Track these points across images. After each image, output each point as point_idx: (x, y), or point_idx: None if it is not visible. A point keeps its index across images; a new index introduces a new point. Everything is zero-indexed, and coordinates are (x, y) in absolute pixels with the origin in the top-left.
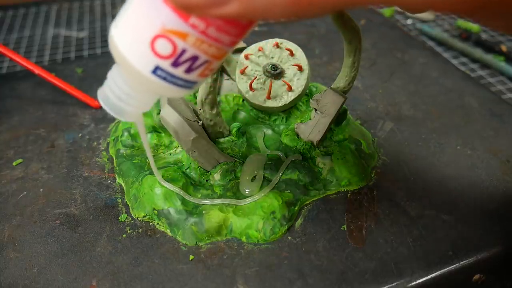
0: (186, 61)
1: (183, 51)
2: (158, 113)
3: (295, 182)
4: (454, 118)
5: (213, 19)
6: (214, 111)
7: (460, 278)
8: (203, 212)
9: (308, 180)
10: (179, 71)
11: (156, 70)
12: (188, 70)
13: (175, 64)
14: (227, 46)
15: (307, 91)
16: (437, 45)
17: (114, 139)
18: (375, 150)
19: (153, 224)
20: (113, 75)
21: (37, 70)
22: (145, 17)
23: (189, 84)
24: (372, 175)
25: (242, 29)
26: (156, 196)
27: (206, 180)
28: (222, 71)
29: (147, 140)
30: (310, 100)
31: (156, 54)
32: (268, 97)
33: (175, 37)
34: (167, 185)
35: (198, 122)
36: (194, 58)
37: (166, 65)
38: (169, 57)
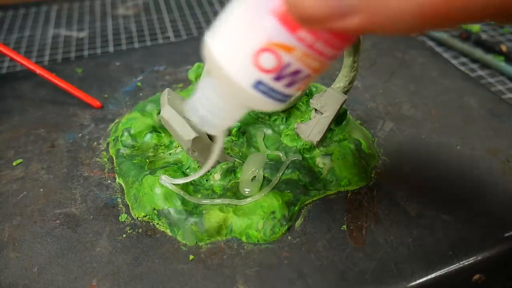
0: (288, 75)
1: (287, 65)
2: (158, 113)
3: (295, 182)
4: (454, 118)
5: (322, 32)
6: None
7: (460, 278)
8: (203, 212)
9: (308, 180)
10: (280, 85)
11: (257, 84)
12: (289, 84)
13: (278, 78)
14: (329, 60)
15: (307, 91)
16: (437, 45)
17: (114, 139)
18: (375, 150)
19: (153, 224)
20: (203, 86)
21: (38, 70)
22: (249, 29)
23: (285, 98)
24: (372, 175)
25: (348, 42)
26: (156, 196)
27: (206, 180)
28: None
29: (218, 151)
30: (310, 100)
31: (259, 67)
32: None
33: (281, 50)
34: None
35: None
36: (297, 72)
37: (268, 79)
38: (272, 71)
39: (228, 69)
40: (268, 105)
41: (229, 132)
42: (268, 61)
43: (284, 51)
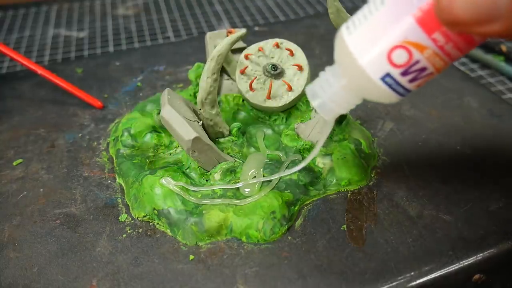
0: (414, 71)
1: (416, 62)
2: (158, 113)
3: (295, 182)
4: (454, 118)
5: (455, 35)
6: (214, 111)
7: (460, 278)
8: (203, 212)
9: (308, 180)
10: (405, 80)
11: (385, 76)
12: (412, 80)
13: (404, 73)
14: (451, 61)
15: None
16: None
17: (114, 139)
18: (375, 150)
19: (153, 224)
20: (328, 74)
21: (39, 70)
22: (388, 28)
23: (405, 93)
24: (372, 175)
25: (473, 46)
26: (156, 196)
27: (206, 180)
28: (222, 71)
29: (327, 134)
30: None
31: (391, 62)
32: (268, 97)
33: (414, 48)
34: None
35: (198, 122)
36: (422, 69)
37: (396, 73)
38: (401, 67)
39: (362, 61)
40: (389, 97)
41: (229, 132)
42: (400, 57)
43: (417, 49)
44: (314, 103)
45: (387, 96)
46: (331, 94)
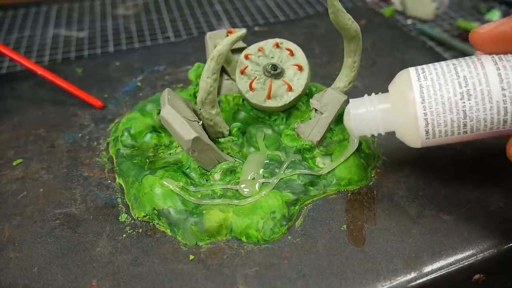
0: None
1: None
2: (158, 113)
3: (295, 182)
4: None
5: None
6: (214, 111)
7: (460, 278)
8: (203, 212)
9: (308, 180)
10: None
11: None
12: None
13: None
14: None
15: (307, 91)
16: (437, 45)
17: (114, 139)
18: (375, 150)
19: (153, 224)
20: (374, 96)
21: (39, 71)
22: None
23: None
24: (372, 175)
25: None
26: (156, 196)
27: (206, 180)
28: (222, 71)
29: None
30: (310, 100)
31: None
32: (268, 97)
33: None
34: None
35: (198, 122)
36: None
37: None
38: None
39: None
40: (415, 141)
41: (229, 132)
42: None
43: None
44: (352, 111)
45: (416, 137)
46: (368, 120)
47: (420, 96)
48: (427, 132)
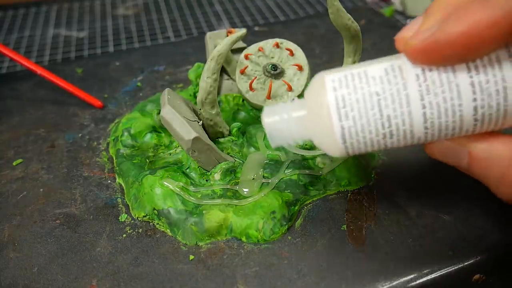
0: None
1: None
2: (158, 113)
3: (295, 182)
4: None
5: None
6: (214, 111)
7: (460, 278)
8: (203, 212)
9: (308, 180)
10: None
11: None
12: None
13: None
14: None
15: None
16: None
17: (114, 139)
18: None
19: (153, 224)
20: (289, 103)
21: (39, 71)
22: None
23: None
24: (372, 175)
25: None
26: (156, 196)
27: (206, 180)
28: (222, 71)
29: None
30: None
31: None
32: (268, 97)
33: None
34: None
35: (198, 122)
36: None
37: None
38: None
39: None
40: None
41: (229, 132)
42: None
43: None
44: (266, 120)
45: (334, 146)
46: (284, 120)
47: (335, 101)
48: (344, 139)
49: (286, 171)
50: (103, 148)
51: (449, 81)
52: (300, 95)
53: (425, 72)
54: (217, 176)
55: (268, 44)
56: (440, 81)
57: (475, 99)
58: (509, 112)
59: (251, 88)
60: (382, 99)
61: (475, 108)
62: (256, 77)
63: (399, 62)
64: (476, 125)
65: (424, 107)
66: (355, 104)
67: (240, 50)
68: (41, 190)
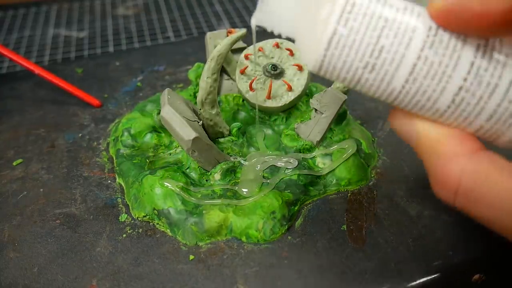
0: None
1: None
2: (158, 113)
3: (295, 182)
4: None
5: None
6: (214, 111)
7: (460, 278)
8: (203, 212)
9: (308, 180)
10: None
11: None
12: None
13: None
14: None
15: (307, 91)
16: None
17: (114, 139)
18: (375, 150)
19: (153, 224)
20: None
21: (36, 70)
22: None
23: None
24: (372, 175)
25: None
26: (156, 196)
27: (206, 180)
28: (222, 71)
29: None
30: (310, 100)
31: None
32: (268, 97)
33: None
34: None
35: (198, 122)
36: None
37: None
38: None
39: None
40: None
41: (229, 132)
42: None
43: None
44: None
45: (315, 47)
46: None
47: (345, 2)
48: (329, 45)
49: (286, 171)
50: (103, 148)
51: (454, 49)
52: (300, 95)
53: (438, 28)
54: (217, 176)
55: (268, 44)
56: (446, 44)
57: (465, 79)
58: (483, 114)
59: (251, 88)
60: (386, 27)
61: (460, 88)
62: (256, 77)
63: (422, 9)
64: (449, 107)
65: (419, 58)
66: (360, 16)
67: (240, 50)
68: (41, 190)
